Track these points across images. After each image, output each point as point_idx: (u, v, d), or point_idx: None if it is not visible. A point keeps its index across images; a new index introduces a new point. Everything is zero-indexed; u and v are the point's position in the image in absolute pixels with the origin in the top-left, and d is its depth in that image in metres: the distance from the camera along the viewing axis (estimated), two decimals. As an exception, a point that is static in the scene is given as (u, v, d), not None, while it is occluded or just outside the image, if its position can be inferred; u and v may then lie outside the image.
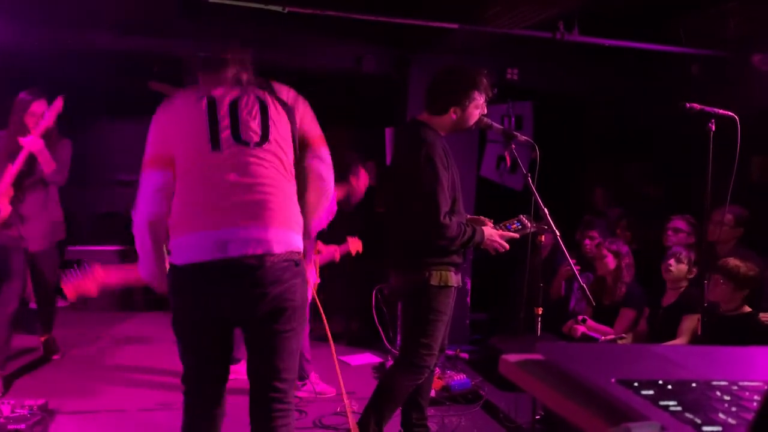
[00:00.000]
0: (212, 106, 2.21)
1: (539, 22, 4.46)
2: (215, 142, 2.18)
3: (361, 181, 4.43)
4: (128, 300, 7.32)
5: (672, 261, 3.93)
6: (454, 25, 4.61)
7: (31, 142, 4.00)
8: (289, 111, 2.30)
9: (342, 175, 4.29)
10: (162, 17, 5.02)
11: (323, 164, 2.38)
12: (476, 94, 2.98)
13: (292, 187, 2.28)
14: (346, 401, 3.12)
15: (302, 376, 4.23)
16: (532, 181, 2.92)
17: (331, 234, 4.32)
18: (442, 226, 2.83)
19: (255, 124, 2.22)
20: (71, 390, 4.13)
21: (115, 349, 5.18)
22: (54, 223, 4.44)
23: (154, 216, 2.22)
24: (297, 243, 2.23)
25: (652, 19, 4.97)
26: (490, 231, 2.99)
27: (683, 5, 4.77)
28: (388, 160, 5.59)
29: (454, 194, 2.99)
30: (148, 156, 2.26)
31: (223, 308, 2.18)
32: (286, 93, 2.35)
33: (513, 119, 5.54)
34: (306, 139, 2.35)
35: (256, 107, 2.24)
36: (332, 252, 4.51)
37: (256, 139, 2.21)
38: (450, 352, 5.03)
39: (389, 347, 5.02)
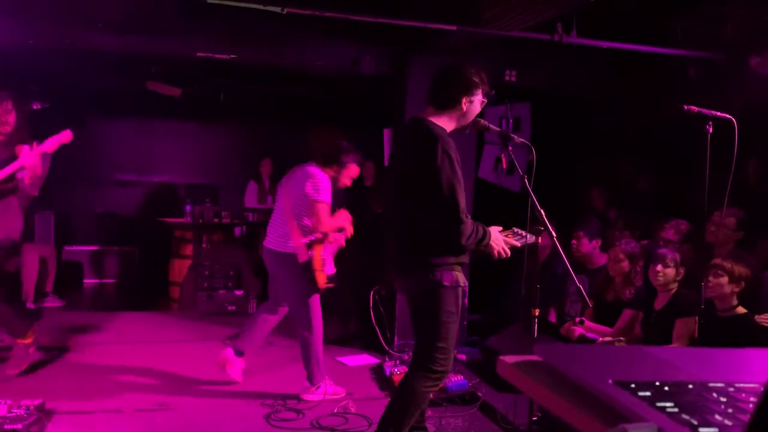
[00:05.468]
0: None
1: (537, 23, 4.46)
2: None
3: (347, 171, 4.25)
4: (126, 300, 7.32)
5: (659, 266, 3.89)
6: (453, 27, 4.61)
7: (29, 156, 3.92)
8: None
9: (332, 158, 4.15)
10: (160, 17, 5.01)
11: None
12: (481, 87, 2.97)
13: None
14: None
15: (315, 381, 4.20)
16: (529, 183, 2.90)
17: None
18: (462, 223, 2.77)
19: None
20: (68, 390, 4.12)
21: (112, 349, 5.17)
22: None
23: None
24: None
25: (650, 21, 4.98)
26: (496, 233, 2.95)
27: (681, 7, 4.78)
28: (386, 160, 5.59)
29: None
30: None
31: None
32: None
33: (511, 121, 5.54)
34: None
35: None
36: (339, 238, 4.35)
37: None
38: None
39: (387, 348, 5.02)
